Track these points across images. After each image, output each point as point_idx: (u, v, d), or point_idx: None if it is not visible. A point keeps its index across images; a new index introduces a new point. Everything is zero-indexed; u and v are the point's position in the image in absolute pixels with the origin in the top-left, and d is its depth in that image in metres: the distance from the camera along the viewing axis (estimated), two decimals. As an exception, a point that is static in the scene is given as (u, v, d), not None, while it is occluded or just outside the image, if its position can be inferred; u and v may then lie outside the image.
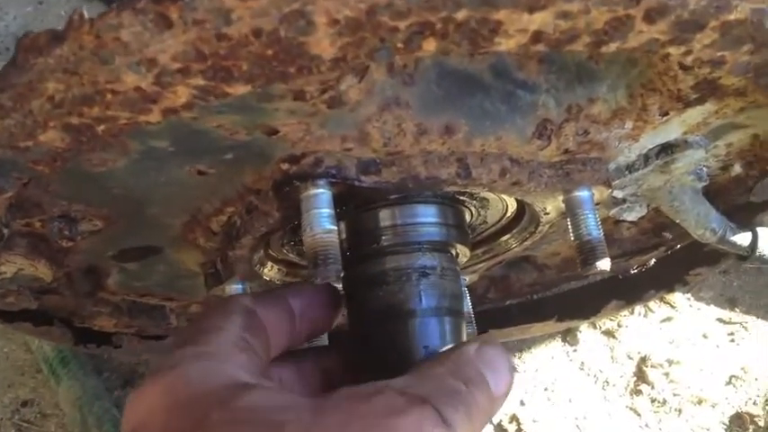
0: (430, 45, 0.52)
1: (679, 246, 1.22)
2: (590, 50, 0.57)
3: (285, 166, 0.67)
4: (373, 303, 0.76)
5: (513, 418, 1.66)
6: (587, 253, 0.77)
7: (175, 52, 0.47)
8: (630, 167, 0.84)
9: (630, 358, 1.72)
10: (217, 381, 0.55)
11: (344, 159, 0.67)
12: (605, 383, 1.69)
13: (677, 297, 1.78)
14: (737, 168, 0.93)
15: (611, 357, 1.72)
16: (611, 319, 1.76)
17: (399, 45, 0.51)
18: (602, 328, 1.76)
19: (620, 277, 1.35)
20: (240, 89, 0.52)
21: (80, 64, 0.48)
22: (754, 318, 1.75)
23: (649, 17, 0.54)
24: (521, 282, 1.36)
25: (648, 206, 0.97)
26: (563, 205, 0.80)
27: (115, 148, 0.61)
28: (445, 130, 0.68)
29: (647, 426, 1.62)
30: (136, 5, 0.45)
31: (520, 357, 1.75)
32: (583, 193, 0.78)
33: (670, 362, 1.68)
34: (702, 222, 0.95)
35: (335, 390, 0.56)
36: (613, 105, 0.73)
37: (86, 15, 0.46)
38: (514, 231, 0.94)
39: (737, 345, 1.71)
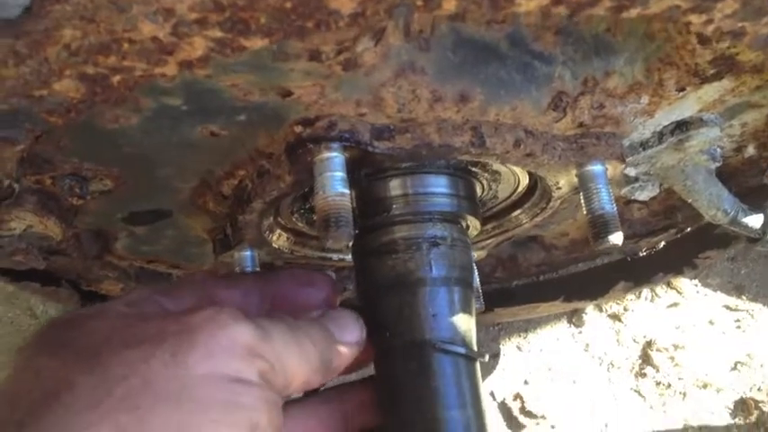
0: (450, 4, 0.52)
1: (689, 229, 1.21)
2: (611, 15, 0.56)
3: (299, 129, 0.67)
4: (383, 272, 0.76)
5: (517, 397, 1.66)
6: (600, 227, 0.76)
7: (193, 2, 0.47)
8: (645, 144, 0.83)
9: (636, 342, 1.71)
10: None
11: (358, 124, 0.67)
12: (610, 365, 1.70)
13: (684, 283, 1.77)
14: (751, 150, 0.92)
15: (617, 340, 1.72)
16: (618, 303, 1.75)
17: (419, 2, 0.50)
18: (608, 312, 1.76)
19: (629, 259, 1.35)
20: (257, 43, 0.52)
21: (97, 11, 0.47)
22: (761, 305, 1.74)
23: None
24: (528, 262, 1.36)
25: (661, 186, 0.97)
26: (576, 180, 0.80)
27: (128, 104, 0.61)
28: (460, 97, 0.67)
29: (651, 408, 1.62)
30: (154, -46, 0.45)
31: (525, 338, 1.75)
32: (596, 168, 0.77)
33: (676, 346, 1.68)
34: (714, 203, 0.94)
35: None
36: (630, 79, 0.72)
37: (104, -37, 0.46)
38: (525, 207, 0.93)
39: (743, 331, 1.71)
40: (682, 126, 0.80)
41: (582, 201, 0.78)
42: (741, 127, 0.86)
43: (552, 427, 1.65)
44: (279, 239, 0.92)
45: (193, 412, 0.53)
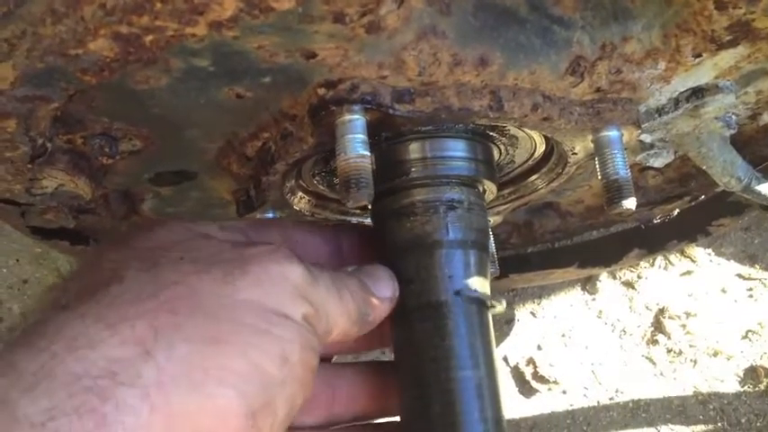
0: (471, -31, 0.53)
1: (703, 197, 1.22)
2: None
3: (322, 91, 0.68)
4: (401, 234, 0.78)
5: (530, 362, 1.69)
6: (614, 192, 0.78)
7: (224, -36, 0.49)
8: (660, 111, 0.84)
9: (649, 309, 1.73)
10: None
11: (380, 87, 0.69)
12: (622, 332, 1.72)
13: (698, 251, 1.79)
14: (766, 117, 0.93)
15: (630, 307, 1.74)
16: (631, 271, 1.77)
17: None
18: (622, 279, 1.78)
19: (643, 227, 1.36)
20: (284, 5, 0.54)
21: (133, -28, 0.49)
22: (774, 275, 1.75)
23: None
24: (543, 228, 1.37)
25: (676, 153, 0.98)
26: (592, 145, 0.81)
27: (159, 65, 0.63)
28: (480, 61, 0.69)
29: (661, 374, 1.65)
30: None
31: (539, 304, 1.77)
32: (612, 133, 0.79)
33: (688, 314, 1.70)
34: (728, 170, 0.95)
35: None
36: (647, 45, 0.73)
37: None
38: (542, 172, 0.95)
39: (755, 300, 1.72)
40: (697, 93, 0.81)
41: (597, 166, 0.80)
42: (756, 94, 0.87)
43: (564, 392, 1.67)
44: (300, 202, 0.94)
45: (228, 331, 0.54)
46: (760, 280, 1.75)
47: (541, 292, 1.78)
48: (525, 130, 0.83)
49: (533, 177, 0.96)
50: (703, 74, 0.79)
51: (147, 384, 0.49)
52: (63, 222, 0.92)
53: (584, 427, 1.64)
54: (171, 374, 0.51)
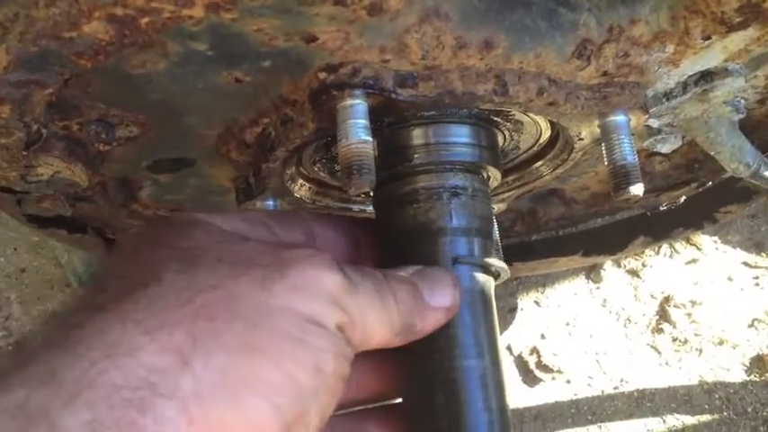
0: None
1: (710, 183, 1.21)
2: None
3: (322, 75, 0.67)
4: (404, 221, 0.76)
5: (534, 351, 1.68)
6: (621, 177, 0.76)
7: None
8: (668, 95, 0.83)
9: (654, 297, 1.72)
10: None
11: (382, 71, 0.67)
12: (627, 321, 1.71)
13: (703, 239, 1.77)
14: (776, 102, 0.92)
15: (635, 296, 1.73)
16: (636, 259, 1.76)
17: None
18: (627, 267, 1.77)
19: (649, 214, 1.34)
20: (284, -15, 0.52)
21: (126, -49, 0.48)
22: (781, 263, 1.74)
23: None
24: (548, 216, 1.36)
25: (683, 138, 0.96)
26: (598, 131, 0.80)
27: (155, 48, 0.62)
28: (484, 44, 0.67)
29: (666, 364, 1.64)
30: None
31: (543, 292, 1.77)
32: (619, 118, 0.78)
33: (693, 302, 1.69)
34: (737, 156, 0.94)
35: None
36: (655, 27, 0.72)
37: None
38: (547, 158, 0.93)
39: (762, 289, 1.71)
40: (706, 76, 0.80)
41: (603, 151, 0.78)
42: (765, 78, 0.86)
43: (568, 381, 1.67)
44: (301, 189, 0.93)
45: (264, 339, 0.53)
46: (766, 268, 1.73)
47: (545, 281, 1.77)
48: (530, 115, 0.82)
49: (538, 164, 0.95)
50: (712, 57, 0.77)
51: (185, 396, 0.49)
52: (60, 210, 0.91)
53: (589, 417, 1.63)
54: (208, 385, 0.50)
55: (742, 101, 0.89)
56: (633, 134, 0.80)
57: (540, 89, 0.72)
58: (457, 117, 0.78)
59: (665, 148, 0.97)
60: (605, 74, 0.74)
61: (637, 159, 0.76)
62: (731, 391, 1.61)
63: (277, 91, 0.72)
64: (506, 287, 1.76)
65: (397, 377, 0.74)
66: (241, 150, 0.82)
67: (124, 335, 0.50)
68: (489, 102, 0.71)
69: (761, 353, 1.63)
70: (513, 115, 0.82)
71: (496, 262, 0.77)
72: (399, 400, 0.75)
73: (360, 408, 0.74)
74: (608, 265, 1.76)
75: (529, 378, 1.68)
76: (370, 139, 0.67)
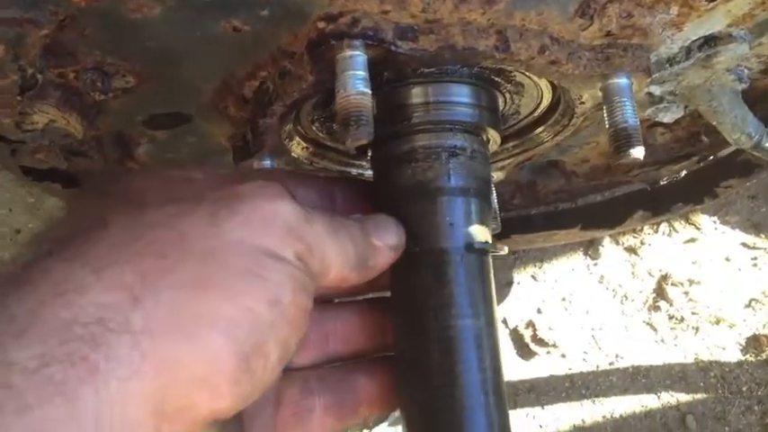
0: None
1: (711, 158, 1.20)
2: None
3: (321, 25, 0.66)
4: (402, 180, 0.76)
5: (529, 324, 1.68)
6: (622, 140, 0.75)
7: None
8: (672, 60, 0.82)
9: (651, 275, 1.72)
10: None
11: (382, 22, 0.66)
12: (624, 298, 1.70)
13: (703, 219, 1.77)
14: (780, 72, 0.91)
15: (632, 273, 1.73)
16: (634, 236, 1.76)
17: None
18: (625, 245, 1.77)
19: (649, 189, 1.34)
20: None
21: None
22: (779, 244, 1.74)
23: None
24: (547, 188, 1.35)
25: (685, 108, 0.95)
26: (600, 94, 0.79)
27: (152, -10, 0.61)
28: (486, -1, 0.67)
29: (662, 341, 1.64)
30: None
31: (540, 267, 1.76)
32: (621, 81, 0.77)
33: (691, 281, 1.69)
34: (739, 126, 0.93)
35: None
36: (660, -13, 0.71)
37: None
38: (548, 124, 0.93)
39: (759, 269, 1.71)
40: (710, 41, 0.79)
41: (605, 114, 0.77)
42: (771, 46, 0.85)
43: (563, 355, 1.67)
44: (298, 148, 0.92)
45: (216, 275, 0.53)
46: (765, 249, 1.73)
47: (543, 256, 1.76)
48: (532, 76, 0.81)
49: (539, 130, 0.94)
50: (716, 21, 0.77)
51: (136, 331, 0.48)
52: (54, 163, 0.90)
53: (583, 391, 1.63)
54: (160, 321, 0.49)
55: (745, 70, 0.88)
56: (635, 100, 0.79)
57: (542, 47, 0.71)
58: (457, 76, 0.77)
59: (666, 118, 0.96)
60: (608, 34, 0.73)
61: (638, 122, 0.76)
62: (726, 369, 1.62)
63: (275, 42, 0.71)
64: (504, 261, 1.76)
65: (392, 333, 0.74)
66: (239, 106, 0.82)
67: (71, 274, 0.49)
68: (490, 58, 0.70)
69: (757, 333, 1.63)
70: (515, 76, 0.81)
71: (492, 224, 0.76)
72: (387, 353, 0.75)
73: (349, 361, 0.74)
74: (606, 242, 1.76)
75: (524, 351, 1.68)
76: (369, 91, 0.66)
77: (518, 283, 1.75)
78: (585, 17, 0.71)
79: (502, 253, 0.77)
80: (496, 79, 0.81)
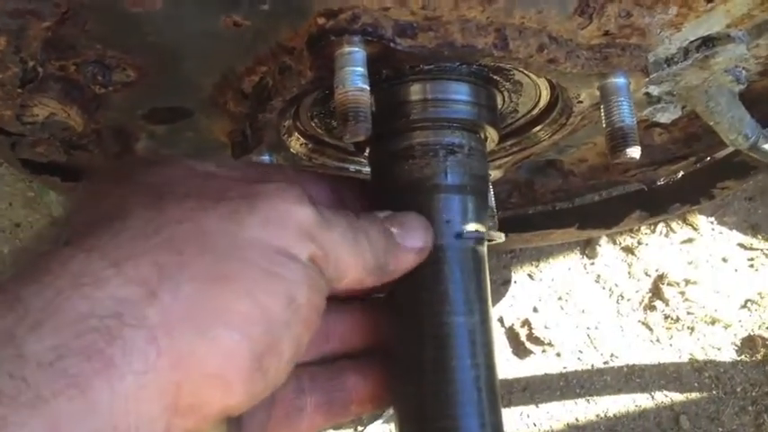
0: None
1: (708, 158, 1.21)
2: None
3: (321, 20, 0.67)
4: (399, 177, 0.76)
5: (525, 323, 1.68)
6: (619, 139, 0.76)
7: None
8: (670, 60, 0.82)
9: (648, 275, 1.72)
10: None
11: (381, 19, 0.67)
12: (620, 297, 1.71)
13: (700, 220, 1.77)
14: (778, 73, 0.91)
15: (629, 273, 1.73)
16: (631, 236, 1.76)
17: None
18: (622, 244, 1.77)
19: (646, 189, 1.34)
20: None
21: None
22: (776, 246, 1.74)
23: None
24: (545, 188, 1.36)
25: (683, 108, 0.96)
26: (597, 93, 0.79)
27: (153, -16, 0.61)
28: (486, -4, 0.67)
29: (657, 341, 1.64)
30: None
31: (537, 266, 1.77)
32: (619, 80, 0.77)
33: (687, 281, 1.69)
34: (736, 127, 0.94)
35: None
36: (659, -13, 0.71)
37: None
38: (545, 123, 0.93)
39: (756, 270, 1.71)
40: (708, 42, 0.79)
41: (602, 113, 0.78)
42: (768, 48, 0.86)
43: (558, 354, 1.67)
44: (297, 144, 0.92)
45: (234, 271, 0.53)
46: (762, 250, 1.74)
47: (540, 255, 1.77)
48: (530, 75, 0.81)
49: (537, 128, 0.95)
50: (715, 22, 0.77)
51: (153, 326, 0.48)
52: (54, 156, 0.90)
53: (578, 390, 1.64)
54: (177, 316, 0.50)
55: (743, 71, 0.89)
56: (633, 100, 0.79)
57: (540, 45, 0.71)
58: (456, 74, 0.78)
59: (664, 118, 0.97)
60: (607, 33, 0.74)
61: (635, 122, 0.76)
62: (721, 370, 1.62)
63: (276, 38, 0.72)
64: (500, 260, 1.76)
65: (385, 330, 0.74)
66: (238, 101, 0.82)
67: (89, 266, 0.49)
68: (489, 56, 0.70)
69: (752, 333, 1.63)
70: (513, 75, 0.82)
71: (489, 223, 0.77)
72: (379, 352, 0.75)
73: (340, 359, 0.74)
74: (603, 242, 1.76)
75: (519, 350, 1.68)
76: (367, 87, 0.66)
77: (515, 282, 1.75)
78: (584, 16, 0.71)
79: (498, 240, 0.78)
80: (495, 77, 0.82)
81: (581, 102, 0.83)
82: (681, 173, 1.25)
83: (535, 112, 0.93)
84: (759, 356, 1.62)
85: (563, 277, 1.74)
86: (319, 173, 0.84)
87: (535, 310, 1.71)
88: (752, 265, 1.72)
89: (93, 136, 0.92)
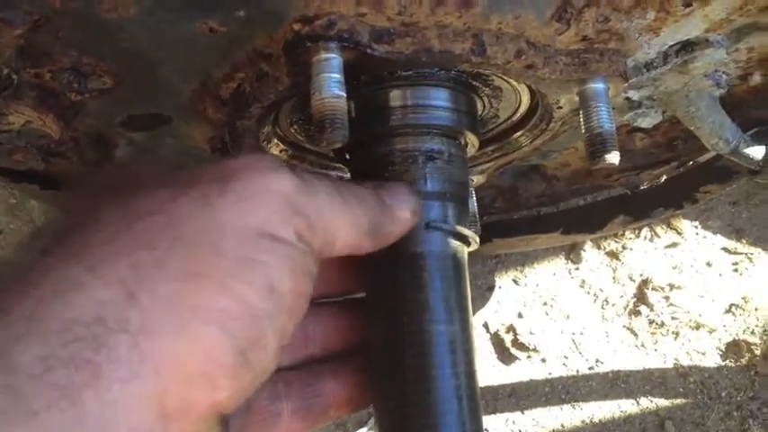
0: None
1: (691, 162, 1.21)
2: None
3: (297, 27, 0.66)
4: None
5: (510, 329, 1.68)
6: (597, 145, 0.75)
7: None
8: (649, 65, 0.82)
9: (632, 280, 1.73)
10: None
11: (358, 25, 0.66)
12: (605, 302, 1.71)
13: (684, 224, 1.78)
14: (757, 78, 0.91)
15: (613, 278, 1.73)
16: (616, 241, 1.76)
17: None
18: (606, 249, 1.77)
19: (629, 193, 1.34)
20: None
21: None
22: (760, 250, 1.75)
23: None
24: (529, 192, 1.35)
25: (664, 113, 0.96)
26: (577, 99, 0.79)
27: (127, -10, 0.60)
28: (463, 2, 0.67)
29: (642, 346, 1.64)
30: None
31: (522, 272, 1.76)
32: (598, 86, 0.77)
33: (671, 286, 1.69)
34: (717, 131, 0.94)
35: None
36: (636, -7, 0.71)
37: None
38: (526, 128, 0.93)
39: (740, 275, 1.72)
40: (687, 47, 0.80)
41: (581, 119, 0.78)
42: (747, 52, 0.85)
43: (543, 360, 1.67)
44: (276, 150, 0.92)
45: (208, 262, 0.51)
46: (746, 254, 1.74)
47: (524, 260, 1.77)
48: (510, 81, 0.81)
49: (517, 134, 0.94)
50: (693, 26, 0.77)
51: (134, 331, 0.47)
52: (32, 164, 0.90)
53: (563, 396, 1.63)
54: (156, 318, 0.48)
55: (723, 75, 0.89)
56: (614, 108, 0.79)
57: (518, 51, 0.71)
58: (435, 80, 0.77)
59: (645, 123, 0.97)
60: (585, 39, 0.74)
61: (614, 127, 0.76)
62: (706, 375, 1.62)
63: (252, 44, 0.71)
64: (485, 265, 1.76)
65: (366, 338, 0.74)
66: (217, 107, 0.81)
67: (68, 272, 0.48)
68: (467, 62, 0.70)
69: (737, 338, 1.63)
70: (492, 80, 0.81)
71: (468, 230, 0.76)
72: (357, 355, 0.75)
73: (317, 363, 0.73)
74: (588, 247, 1.76)
75: (504, 356, 1.68)
76: (344, 94, 0.66)
77: (499, 288, 1.75)
78: (562, 21, 0.71)
79: (473, 246, 0.77)
80: (474, 83, 0.81)
81: (561, 107, 0.83)
82: (664, 177, 1.25)
83: (516, 117, 0.92)
84: (744, 361, 1.62)
85: (548, 282, 1.74)
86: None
87: (520, 315, 1.70)
88: (736, 270, 1.73)
89: (72, 143, 0.91)
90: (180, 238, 0.51)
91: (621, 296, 1.71)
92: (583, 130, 0.77)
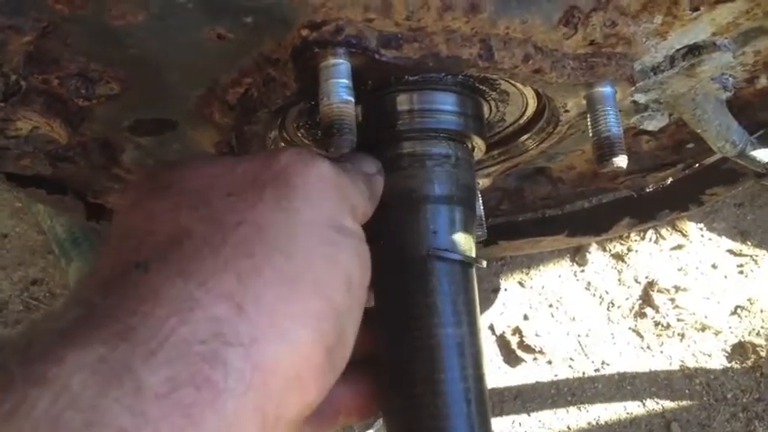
0: None
1: (697, 165, 1.21)
2: None
3: (305, 32, 0.66)
4: (386, 187, 0.76)
5: (516, 331, 1.68)
6: (605, 148, 0.76)
7: None
8: (656, 69, 0.82)
9: (638, 282, 1.72)
10: None
11: (365, 30, 0.66)
12: (610, 304, 1.71)
13: (689, 226, 1.77)
14: (763, 80, 0.91)
15: (619, 280, 1.73)
16: (621, 243, 1.76)
17: None
18: (612, 251, 1.77)
19: (635, 195, 1.34)
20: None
21: None
22: (765, 252, 1.74)
23: None
24: (534, 195, 1.35)
25: (670, 116, 0.96)
26: (584, 102, 0.79)
27: (135, -2, 0.61)
28: (470, 7, 0.67)
29: (648, 348, 1.64)
30: None
31: (527, 274, 1.76)
32: (605, 89, 0.77)
33: (677, 288, 1.69)
34: (723, 134, 0.94)
35: None
36: (644, -3, 0.71)
37: None
38: (533, 131, 0.93)
39: (746, 277, 1.71)
40: (694, 50, 0.79)
41: (589, 122, 0.78)
42: (754, 55, 0.85)
43: (549, 362, 1.67)
44: (284, 155, 0.92)
45: (302, 265, 0.53)
46: (751, 256, 1.74)
47: (530, 263, 1.76)
48: (517, 85, 0.81)
49: (524, 137, 0.95)
50: (700, 30, 0.77)
51: (245, 343, 0.48)
52: (39, 169, 0.90)
53: (569, 398, 1.63)
54: (262, 327, 0.49)
55: (730, 78, 0.89)
56: (620, 111, 0.79)
57: (525, 56, 0.71)
58: (442, 84, 0.77)
59: (651, 126, 0.97)
60: (592, 43, 0.74)
61: (621, 131, 0.76)
62: (712, 376, 1.62)
63: (260, 50, 0.71)
64: (490, 268, 1.76)
65: (375, 343, 0.74)
66: (224, 112, 0.81)
67: (182, 290, 0.49)
68: (474, 66, 0.70)
69: (743, 340, 1.63)
70: (500, 84, 0.82)
71: (477, 232, 0.76)
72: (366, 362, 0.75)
73: None
74: (593, 249, 1.76)
75: (510, 358, 1.68)
76: (352, 99, 0.66)
77: (505, 290, 1.75)
78: (569, 26, 0.71)
79: (482, 265, 0.77)
80: (481, 87, 0.81)
81: (567, 111, 0.83)
82: (669, 179, 1.24)
83: (522, 121, 0.92)
84: (749, 363, 1.62)
85: (553, 285, 1.74)
86: None
87: (526, 317, 1.70)
88: (741, 272, 1.72)
89: (79, 148, 0.91)
90: (271, 244, 0.53)
91: (627, 298, 1.71)
92: (590, 134, 0.77)
